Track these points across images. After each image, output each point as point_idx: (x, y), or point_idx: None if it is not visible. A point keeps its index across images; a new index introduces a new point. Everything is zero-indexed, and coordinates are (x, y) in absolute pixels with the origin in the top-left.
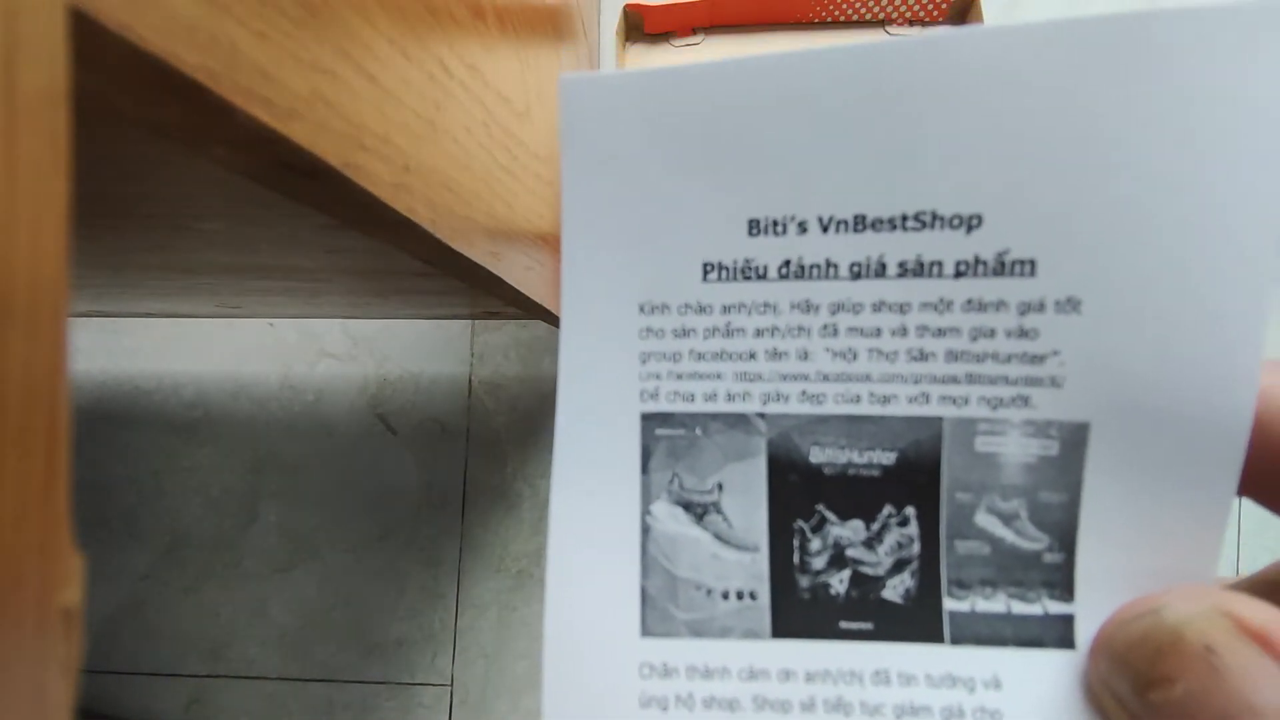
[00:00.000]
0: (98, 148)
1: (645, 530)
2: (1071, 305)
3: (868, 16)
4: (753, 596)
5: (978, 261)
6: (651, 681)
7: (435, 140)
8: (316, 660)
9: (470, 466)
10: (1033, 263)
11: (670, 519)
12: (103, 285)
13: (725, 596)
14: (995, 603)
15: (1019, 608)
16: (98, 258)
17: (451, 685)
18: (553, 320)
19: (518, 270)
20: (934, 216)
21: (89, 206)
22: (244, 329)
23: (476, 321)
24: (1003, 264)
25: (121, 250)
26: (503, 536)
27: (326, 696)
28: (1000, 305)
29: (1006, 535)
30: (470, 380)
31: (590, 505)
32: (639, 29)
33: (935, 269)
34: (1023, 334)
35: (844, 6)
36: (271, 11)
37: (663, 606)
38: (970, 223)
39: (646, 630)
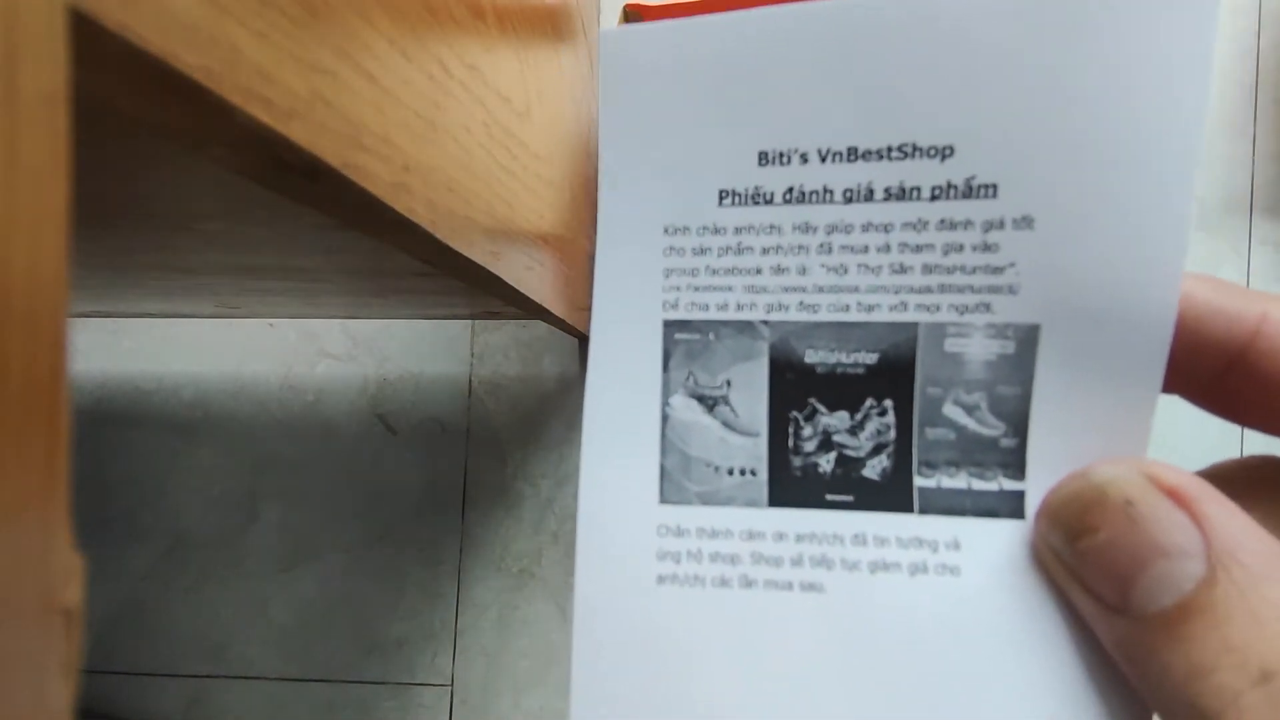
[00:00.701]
0: (98, 148)
1: (665, 418)
2: (1026, 223)
3: None
4: (753, 473)
5: (950, 186)
6: (667, 539)
7: (435, 140)
8: (316, 660)
9: (470, 466)
10: (995, 186)
11: (686, 409)
12: (103, 285)
13: (730, 473)
14: (958, 480)
15: (978, 484)
16: (98, 258)
17: (452, 685)
18: (553, 320)
19: (518, 270)
20: (914, 148)
21: (89, 206)
22: (244, 329)
23: (476, 321)
24: (970, 187)
25: (121, 250)
26: (503, 536)
27: (326, 696)
28: (968, 224)
29: (969, 423)
30: (470, 380)
31: (619, 396)
32: None
33: (915, 193)
34: (986, 248)
35: None
36: (271, 12)
37: (678, 480)
38: (944, 153)
39: (664, 498)
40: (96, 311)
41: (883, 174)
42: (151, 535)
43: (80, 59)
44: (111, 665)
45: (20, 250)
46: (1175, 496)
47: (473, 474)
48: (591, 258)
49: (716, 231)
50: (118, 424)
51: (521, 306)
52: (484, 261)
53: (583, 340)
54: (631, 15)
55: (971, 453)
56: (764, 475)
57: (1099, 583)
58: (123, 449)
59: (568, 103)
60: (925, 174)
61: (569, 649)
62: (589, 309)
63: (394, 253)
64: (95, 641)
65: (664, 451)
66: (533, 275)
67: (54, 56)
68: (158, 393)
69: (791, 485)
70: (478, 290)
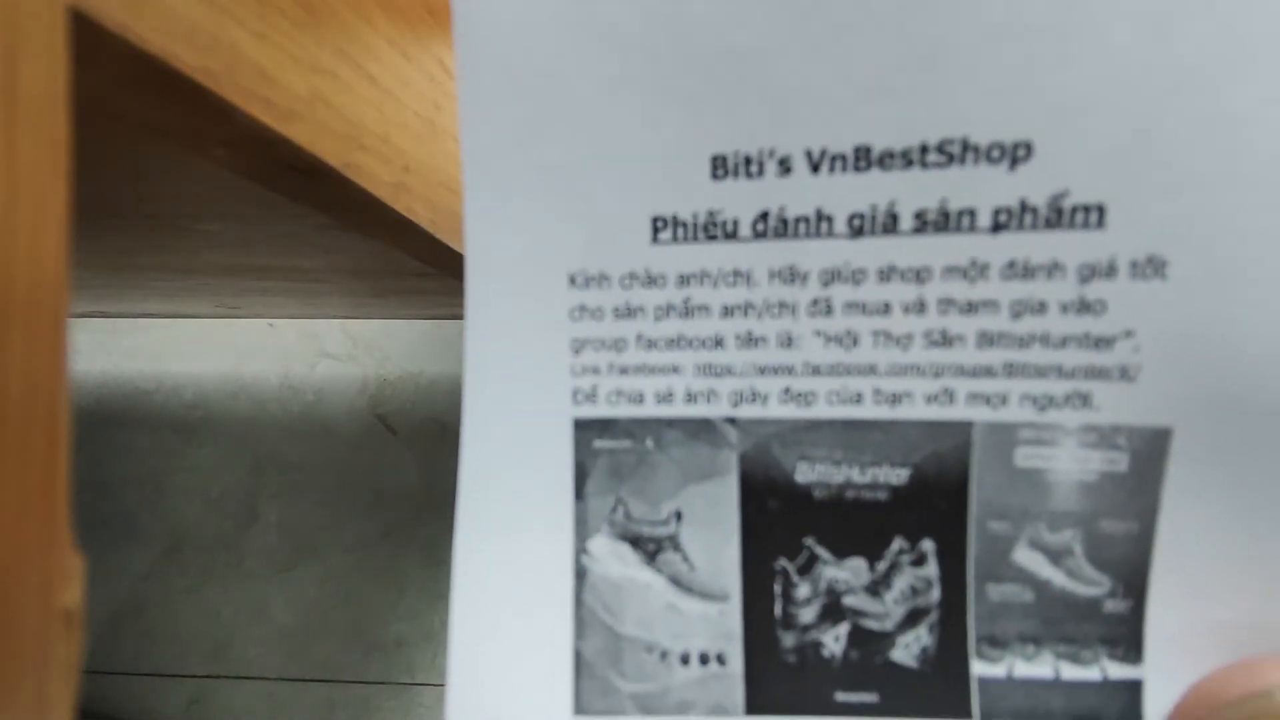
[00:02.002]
0: (98, 148)
1: (580, 575)
2: (1154, 268)
3: None
4: (721, 661)
5: (1025, 208)
6: None
7: (435, 140)
8: (317, 660)
9: None
10: (1101, 209)
11: (613, 559)
12: (103, 285)
13: (685, 661)
14: (1039, 665)
15: (1070, 672)
16: (98, 258)
17: None
18: None
19: None
20: (965, 146)
21: (89, 206)
22: (244, 329)
23: None
24: (1059, 211)
25: (121, 250)
26: None
27: (327, 696)
28: (1055, 269)
29: (1055, 577)
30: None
31: (507, 543)
32: None
33: (966, 220)
34: (1084, 308)
35: None
36: (271, 12)
37: (602, 675)
38: (1015, 154)
39: (581, 708)
40: (96, 311)
41: (914, 189)
42: (151, 535)
43: (80, 59)
44: (112, 665)
45: (20, 250)
46: None
47: None
48: None
49: (651, 282)
50: (118, 424)
51: None
52: None
53: None
54: None
55: (1059, 622)
56: (738, 664)
57: None
58: (123, 449)
59: None
60: (985, 189)
61: None
62: None
63: (394, 253)
64: (95, 641)
65: (580, 629)
66: None
67: (54, 56)
68: (158, 393)
69: (782, 679)
70: None
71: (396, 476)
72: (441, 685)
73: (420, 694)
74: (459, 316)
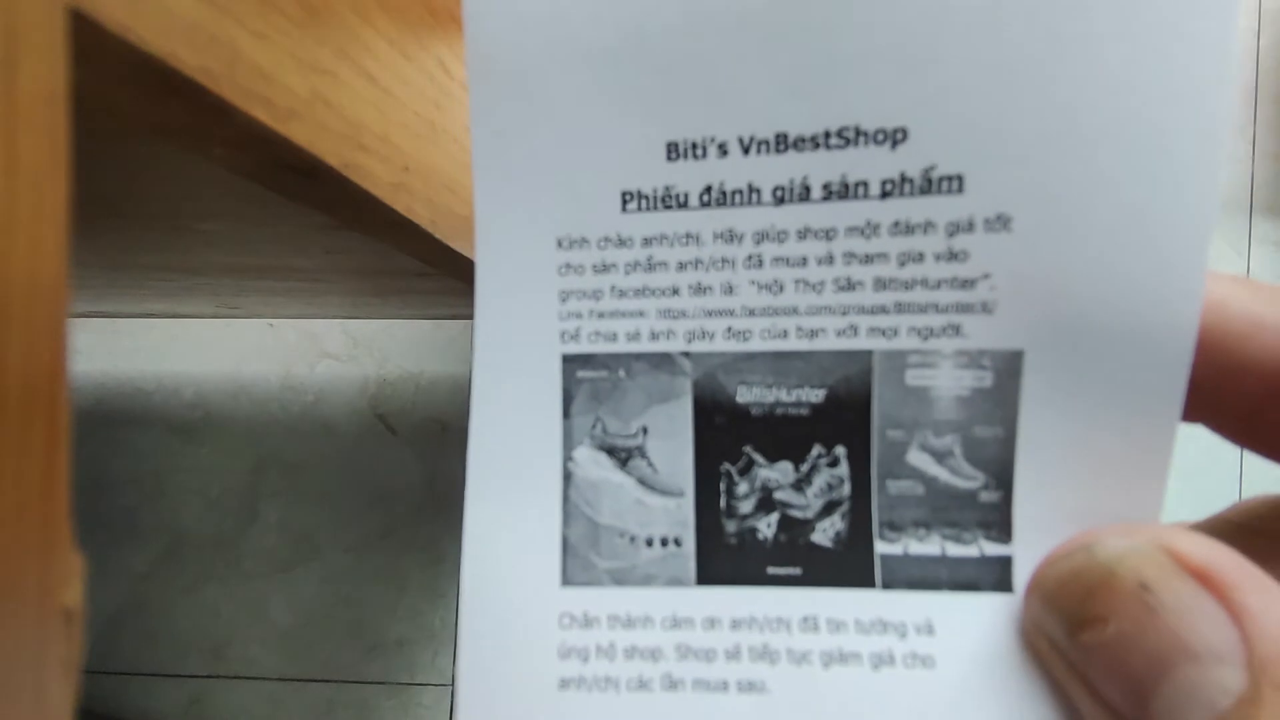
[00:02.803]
0: (98, 148)
1: (567, 477)
2: (1002, 223)
3: None
4: (677, 543)
5: (904, 179)
6: (572, 632)
7: (435, 140)
8: (317, 660)
9: None
10: (960, 178)
11: (593, 464)
12: (103, 285)
13: (649, 543)
14: (929, 545)
15: (954, 550)
16: (98, 258)
17: (452, 685)
18: None
19: None
20: (857, 132)
21: (89, 206)
22: (244, 329)
23: None
24: (929, 181)
25: (121, 250)
26: None
27: (327, 696)
28: (928, 226)
29: (940, 474)
30: (470, 380)
31: (509, 452)
32: None
33: (861, 189)
34: (952, 257)
35: None
36: (271, 12)
37: (584, 555)
38: (895, 137)
39: (567, 579)
40: (96, 311)
41: (821, 166)
42: (151, 535)
43: (80, 59)
44: (112, 665)
45: (20, 250)
46: (1205, 580)
47: None
48: None
49: (622, 243)
50: (118, 424)
51: None
52: None
53: None
54: None
55: (945, 510)
56: (690, 545)
57: (1108, 686)
58: (123, 449)
59: None
60: (873, 165)
61: None
62: None
63: (394, 253)
64: (95, 641)
65: (567, 519)
66: None
67: (54, 56)
68: (158, 393)
69: (725, 557)
70: None
71: (396, 476)
72: (441, 685)
73: (420, 694)
74: (459, 316)
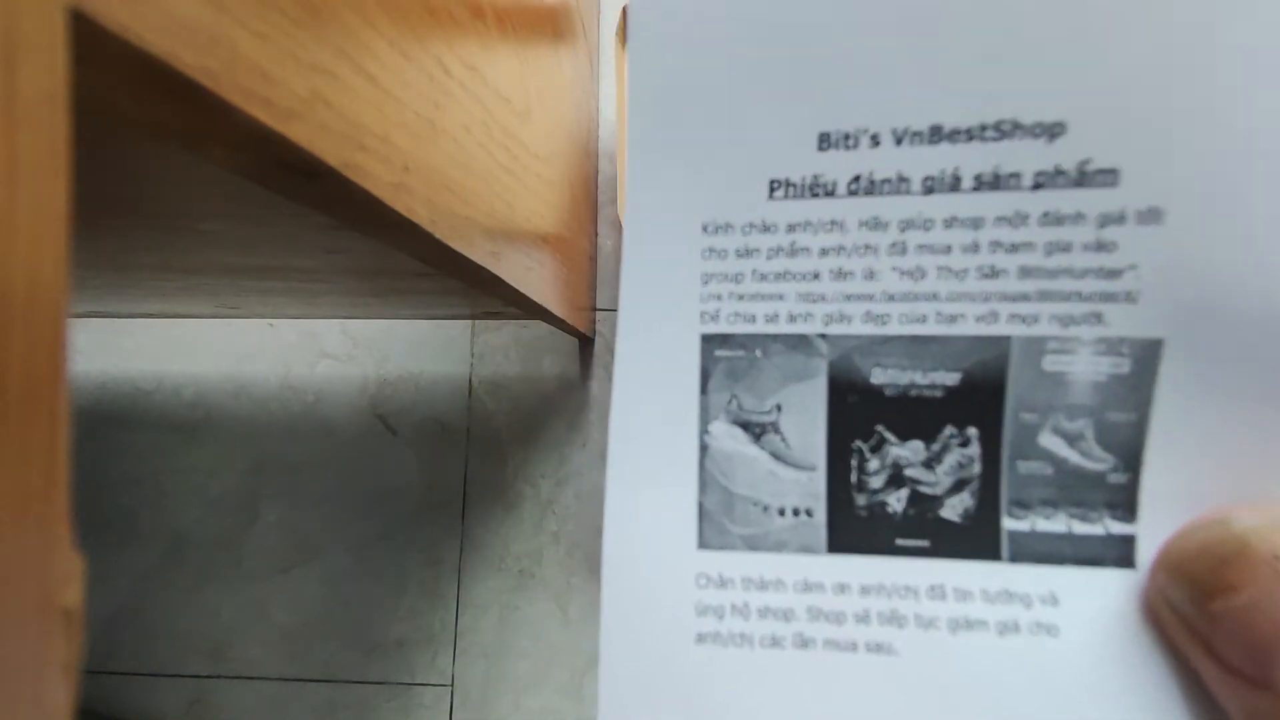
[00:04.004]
0: (98, 148)
1: (703, 449)
2: (1154, 216)
3: None
4: (809, 513)
5: (1058, 172)
6: (708, 591)
7: (435, 140)
8: (317, 660)
9: (470, 466)
10: (1115, 172)
11: (728, 438)
12: (103, 285)
13: (781, 513)
14: (1055, 522)
15: (1080, 528)
16: (98, 258)
17: (452, 685)
18: (553, 320)
19: (518, 270)
20: (1015, 125)
21: (89, 206)
22: (244, 329)
23: (476, 321)
24: (1084, 174)
25: (121, 250)
26: (503, 536)
27: (327, 697)
28: (1078, 218)
29: (1071, 455)
30: (470, 380)
31: (649, 423)
32: None
33: (1013, 181)
34: (1100, 247)
35: None
36: (271, 12)
37: (719, 521)
38: (1053, 131)
39: (704, 543)
40: (97, 311)
41: (973, 158)
42: (151, 535)
43: (80, 59)
44: (112, 665)
45: (20, 250)
46: None
47: (473, 474)
48: (592, 258)
49: (766, 229)
50: (118, 424)
51: (522, 306)
52: (484, 262)
53: (583, 340)
54: None
55: (1072, 490)
56: (822, 516)
57: (1234, 651)
58: (123, 449)
59: (568, 103)
60: (1028, 157)
61: (568, 648)
62: (590, 309)
63: (394, 253)
64: (95, 642)
65: (703, 487)
66: (533, 275)
67: (54, 56)
68: (158, 393)
69: (855, 528)
70: (478, 290)
71: (396, 476)
72: (441, 685)
73: (420, 694)
74: (459, 316)
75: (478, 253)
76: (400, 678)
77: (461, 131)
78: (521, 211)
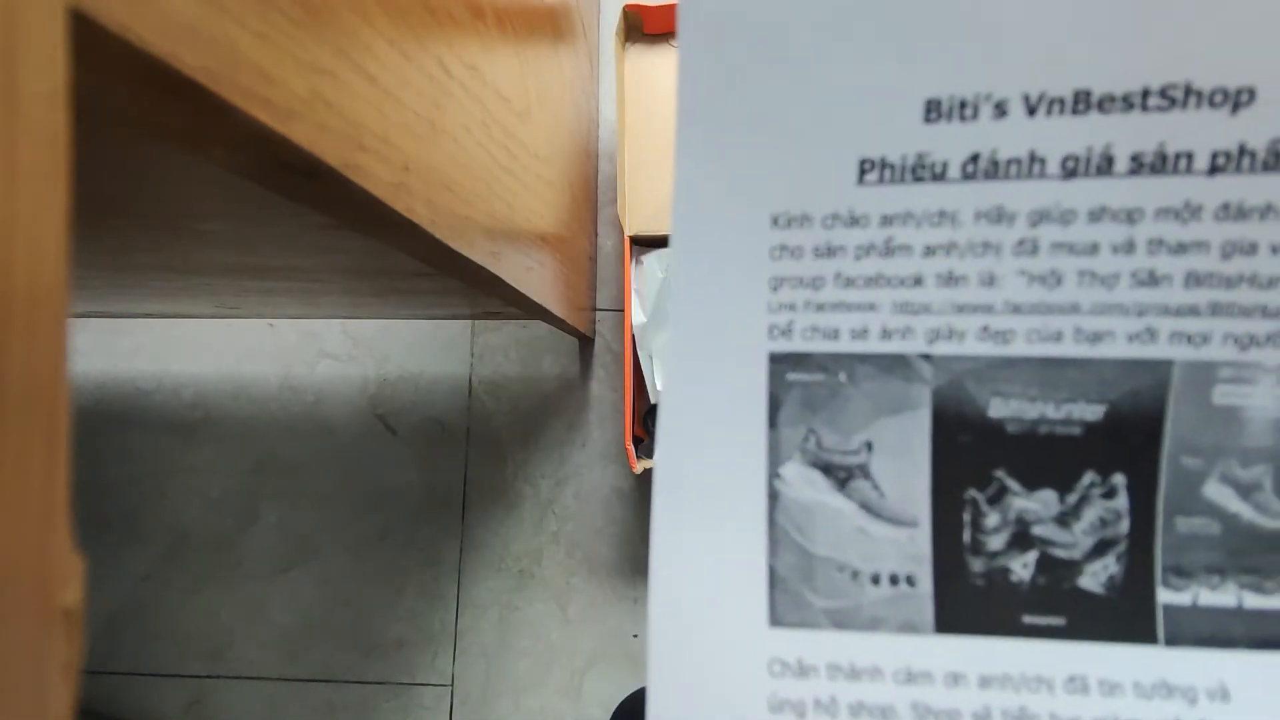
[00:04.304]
0: (98, 148)
1: (773, 497)
2: None
3: None
4: (910, 582)
5: (1243, 152)
6: (784, 681)
7: (435, 140)
8: (316, 661)
9: (470, 466)
10: None
11: (805, 484)
12: (103, 285)
13: (875, 580)
14: (1224, 594)
15: (1254, 601)
16: (98, 258)
17: (452, 685)
18: (553, 320)
19: (518, 270)
20: (1188, 91)
21: (89, 206)
22: (244, 329)
23: (476, 321)
24: (1277, 155)
25: (121, 250)
26: (503, 536)
27: (327, 697)
28: (1268, 211)
29: (1244, 510)
30: (470, 380)
31: (704, 466)
32: (639, 29)
33: (1183, 163)
34: None
35: None
36: (271, 12)
37: (796, 590)
38: (1238, 99)
39: (776, 619)
40: (96, 311)
41: (1131, 133)
42: (151, 536)
43: (80, 59)
44: (112, 666)
45: (20, 250)
46: None
47: (473, 474)
48: (592, 258)
49: (854, 222)
50: (118, 424)
51: (522, 306)
52: (484, 262)
53: (583, 340)
54: (631, 16)
55: (1245, 554)
56: (927, 585)
57: None
58: (123, 449)
59: (568, 103)
60: (1204, 132)
61: (568, 648)
62: (590, 309)
63: (394, 253)
64: (95, 642)
65: (774, 548)
66: (533, 275)
67: (54, 56)
68: (158, 393)
69: (970, 601)
70: (478, 290)
71: (396, 477)
72: (441, 685)
73: (420, 694)
74: (459, 316)
75: (478, 253)
76: (400, 678)
77: (461, 131)
78: (521, 211)
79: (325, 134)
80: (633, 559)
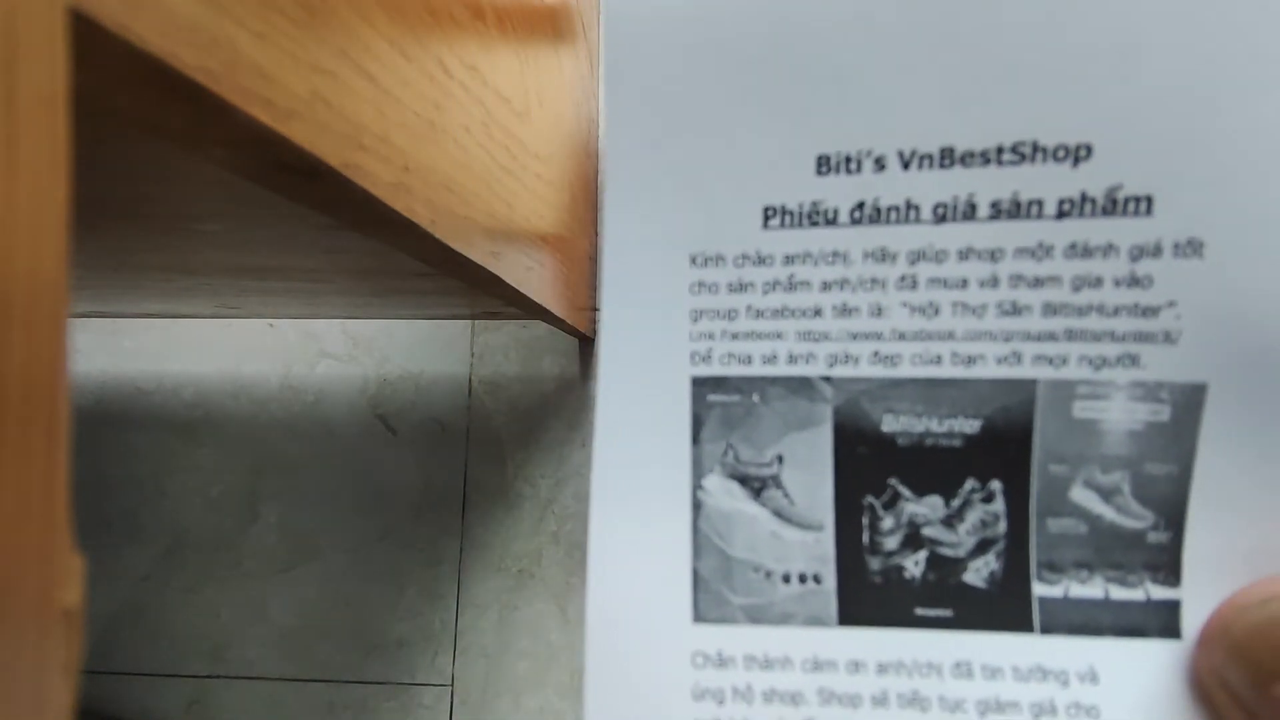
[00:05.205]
0: (98, 148)
1: (697, 506)
2: (1193, 248)
3: None
4: (817, 580)
5: (1084, 199)
6: (706, 672)
7: (435, 140)
8: (317, 660)
9: (470, 466)
10: (1149, 199)
11: (725, 494)
12: (103, 285)
13: (786, 579)
14: (1091, 587)
15: (1118, 593)
16: (98, 258)
17: (452, 685)
18: (553, 320)
19: (518, 270)
20: (1035, 148)
21: (89, 206)
22: (244, 329)
23: (476, 321)
24: (1114, 201)
25: (121, 250)
26: (503, 536)
27: (327, 697)
28: (1109, 250)
29: (1106, 512)
30: (470, 380)
31: (635, 478)
32: None
33: (1034, 209)
34: (1134, 282)
35: None
36: (271, 12)
37: (716, 590)
38: (1078, 154)
39: (699, 616)
40: (96, 311)
41: (990, 183)
42: (151, 535)
43: (80, 59)
44: (111, 666)
45: (20, 250)
46: None
47: (473, 474)
48: (592, 258)
49: (761, 261)
50: (118, 424)
51: (521, 306)
52: (484, 262)
53: (583, 340)
54: None
55: (1109, 551)
56: (831, 582)
57: None
58: (123, 449)
59: (568, 103)
60: (1051, 183)
61: (568, 648)
62: (590, 309)
63: (394, 253)
64: (95, 642)
65: (697, 552)
66: (533, 275)
67: (54, 57)
68: (158, 393)
69: (869, 596)
70: (478, 290)
71: (396, 476)
72: (441, 685)
73: (420, 694)
74: (459, 316)
75: (478, 253)
76: (400, 678)
77: (461, 131)
78: (521, 211)
79: (325, 134)
80: None
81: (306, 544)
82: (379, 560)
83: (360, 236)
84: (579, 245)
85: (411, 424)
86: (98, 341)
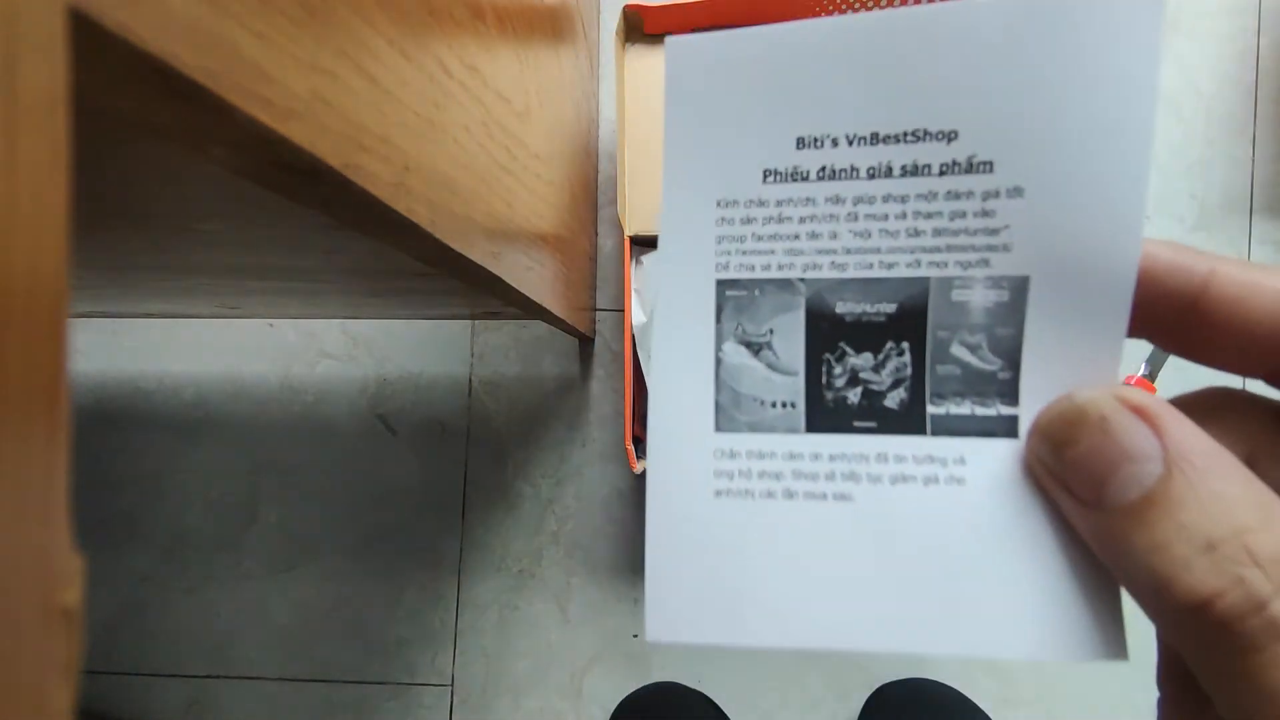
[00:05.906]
0: (98, 148)
1: (718, 362)
2: (1017, 193)
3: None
4: (792, 405)
5: (954, 163)
6: (722, 461)
7: (435, 140)
8: (316, 660)
9: (470, 467)
10: (991, 163)
11: (736, 354)
12: (103, 285)
13: (773, 405)
14: (963, 407)
15: (980, 410)
16: (98, 258)
17: (452, 685)
18: (553, 320)
19: (518, 270)
20: (925, 132)
21: (89, 206)
22: (244, 329)
23: (476, 321)
24: (971, 164)
25: (121, 250)
26: (503, 536)
27: (326, 697)
28: (969, 194)
29: (973, 361)
30: (470, 380)
31: (680, 344)
32: (639, 29)
33: (926, 169)
34: (984, 214)
35: (842, 5)
36: (271, 12)
37: (730, 412)
38: (950, 136)
39: (719, 427)
40: (96, 311)
41: (899, 154)
42: (151, 536)
43: (80, 59)
44: (112, 666)
45: (20, 250)
46: (1140, 413)
47: (473, 474)
48: (592, 258)
49: (761, 204)
50: (118, 424)
51: (522, 306)
52: (484, 262)
53: (583, 340)
54: (631, 16)
55: (974, 384)
56: (801, 406)
57: (1079, 484)
58: (123, 449)
59: (568, 103)
60: (934, 154)
61: (568, 648)
62: (590, 309)
63: (394, 253)
64: (96, 642)
65: (718, 389)
66: (533, 275)
67: (54, 57)
68: (158, 393)
69: (825, 414)
70: (478, 290)
71: (396, 477)
72: (441, 685)
73: (420, 694)
74: (459, 316)
75: (478, 253)
76: (400, 678)
77: (461, 131)
78: (521, 211)
79: (325, 134)
80: (632, 559)
81: (306, 544)
82: (379, 560)
83: (360, 236)
84: (579, 245)
85: (411, 424)
86: (98, 341)
